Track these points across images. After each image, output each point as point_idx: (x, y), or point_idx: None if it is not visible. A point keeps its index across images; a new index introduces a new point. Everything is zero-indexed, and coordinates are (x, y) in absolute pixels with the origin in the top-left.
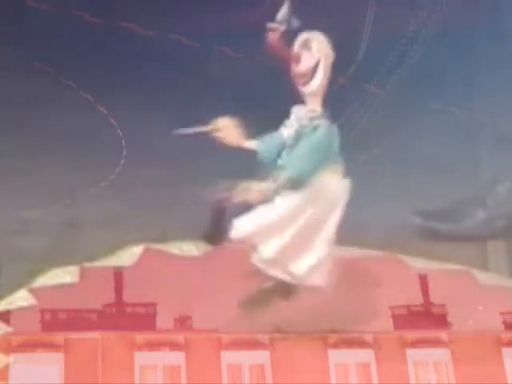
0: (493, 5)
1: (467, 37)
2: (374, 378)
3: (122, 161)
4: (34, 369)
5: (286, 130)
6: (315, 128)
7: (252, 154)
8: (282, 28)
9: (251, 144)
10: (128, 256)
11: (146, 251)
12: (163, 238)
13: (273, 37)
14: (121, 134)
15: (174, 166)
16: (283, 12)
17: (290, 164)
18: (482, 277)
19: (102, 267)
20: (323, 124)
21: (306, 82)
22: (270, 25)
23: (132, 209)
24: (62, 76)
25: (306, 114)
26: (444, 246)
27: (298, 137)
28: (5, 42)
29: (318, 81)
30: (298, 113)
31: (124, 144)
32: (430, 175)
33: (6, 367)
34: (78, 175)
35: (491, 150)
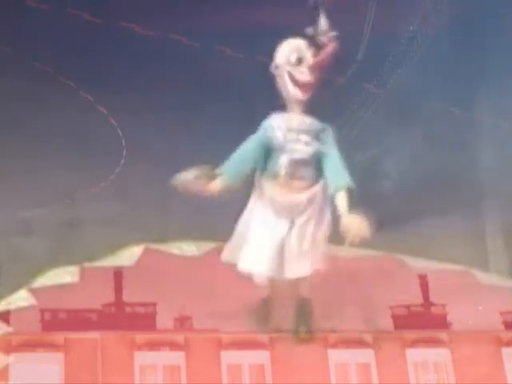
0: (493, 4)
1: (468, 37)
2: (374, 378)
3: (122, 161)
4: (34, 368)
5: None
6: (322, 134)
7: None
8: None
9: (216, 185)
10: (128, 256)
11: (146, 251)
12: (163, 238)
13: (333, 48)
14: (121, 133)
15: (174, 166)
16: (324, 22)
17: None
18: (482, 277)
19: (101, 267)
20: (328, 131)
21: (307, 92)
22: (329, 36)
23: (132, 209)
24: (62, 76)
25: (306, 123)
26: (444, 246)
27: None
28: (5, 42)
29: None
30: (291, 121)
31: (124, 144)
32: (430, 175)
33: (6, 367)
34: (78, 175)
35: (491, 150)
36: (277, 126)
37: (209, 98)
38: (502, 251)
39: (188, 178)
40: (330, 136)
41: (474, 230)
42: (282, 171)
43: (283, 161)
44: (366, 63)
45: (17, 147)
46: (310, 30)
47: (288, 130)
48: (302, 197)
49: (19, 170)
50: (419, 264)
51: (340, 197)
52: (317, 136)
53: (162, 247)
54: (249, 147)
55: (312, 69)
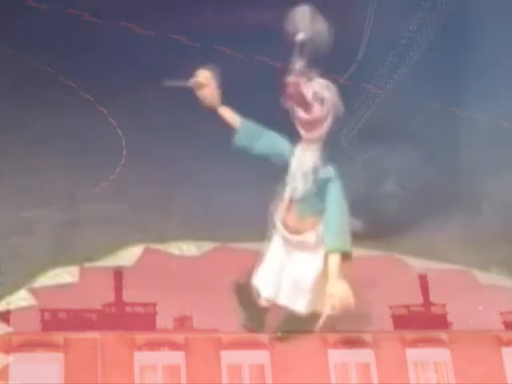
0: (492, 6)
1: (468, 37)
2: (374, 378)
3: (122, 161)
4: (34, 369)
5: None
6: (327, 181)
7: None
8: (301, 78)
9: (233, 117)
10: (128, 256)
11: (146, 251)
12: (163, 238)
13: (292, 87)
14: (121, 133)
15: (174, 166)
16: (300, 62)
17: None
18: (482, 277)
19: (101, 267)
20: (334, 178)
21: (309, 130)
22: (291, 78)
23: (132, 209)
24: (62, 76)
25: (311, 164)
26: (444, 246)
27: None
28: (5, 42)
29: (323, 132)
30: (301, 160)
31: (124, 144)
32: (430, 175)
33: (6, 367)
34: (78, 175)
35: (490, 151)
36: (296, 157)
37: None
38: (502, 251)
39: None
40: (335, 188)
41: (473, 230)
42: (282, 206)
43: (285, 196)
44: (366, 63)
45: (17, 147)
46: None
47: (299, 164)
48: (293, 238)
49: (19, 170)
50: (419, 264)
51: (332, 261)
52: (322, 182)
53: (162, 247)
54: (275, 136)
55: (304, 107)
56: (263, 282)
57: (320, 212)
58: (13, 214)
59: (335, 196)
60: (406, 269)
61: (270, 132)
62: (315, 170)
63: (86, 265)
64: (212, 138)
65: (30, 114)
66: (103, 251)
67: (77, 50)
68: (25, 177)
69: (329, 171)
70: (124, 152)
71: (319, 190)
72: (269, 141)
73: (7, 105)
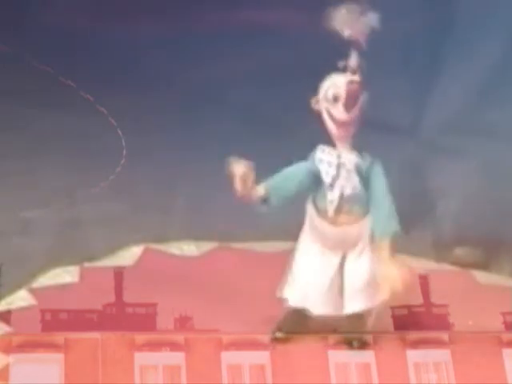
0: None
1: (472, 36)
2: (375, 379)
3: (122, 161)
4: (34, 369)
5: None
6: (371, 170)
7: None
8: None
9: (260, 191)
10: (128, 256)
11: (146, 251)
12: (163, 238)
13: (353, 88)
14: (121, 133)
15: (174, 166)
16: (355, 60)
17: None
18: (482, 277)
19: (102, 267)
20: (377, 167)
21: (346, 130)
22: (351, 78)
23: (132, 209)
24: (62, 76)
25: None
26: (444, 246)
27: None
28: (5, 42)
29: (354, 130)
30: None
31: (124, 144)
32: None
33: (6, 367)
34: (78, 175)
35: None
36: (327, 160)
37: (209, 98)
38: (502, 251)
39: (240, 171)
40: (378, 174)
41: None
42: (331, 208)
43: (333, 197)
44: None
45: (17, 147)
46: (341, 63)
47: (337, 166)
48: (353, 229)
49: (19, 169)
50: (419, 264)
51: (384, 244)
52: (365, 173)
53: (162, 247)
54: (294, 170)
55: (347, 107)
56: (319, 297)
57: (366, 204)
58: (13, 213)
59: (378, 183)
60: (406, 269)
61: (286, 171)
62: (357, 166)
63: (86, 265)
64: (212, 137)
65: (30, 114)
66: (103, 251)
67: (77, 49)
68: (25, 177)
69: (367, 161)
70: (124, 152)
71: (364, 181)
72: (290, 182)
73: (7, 105)
